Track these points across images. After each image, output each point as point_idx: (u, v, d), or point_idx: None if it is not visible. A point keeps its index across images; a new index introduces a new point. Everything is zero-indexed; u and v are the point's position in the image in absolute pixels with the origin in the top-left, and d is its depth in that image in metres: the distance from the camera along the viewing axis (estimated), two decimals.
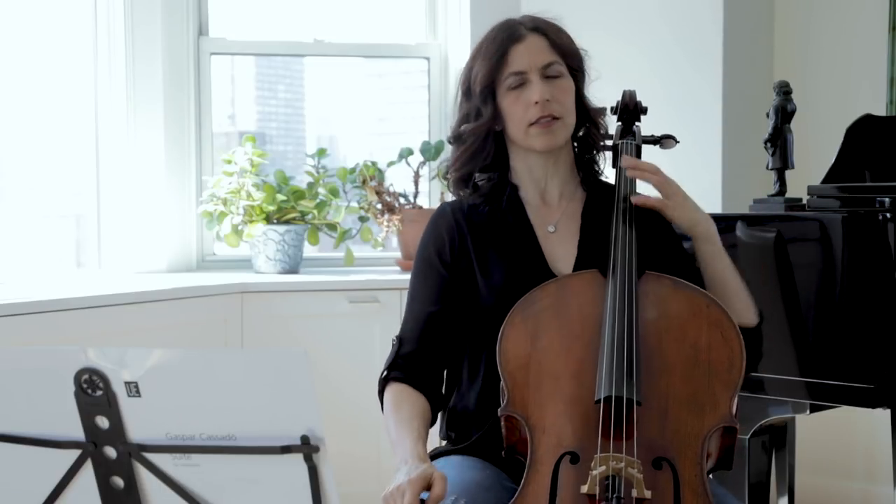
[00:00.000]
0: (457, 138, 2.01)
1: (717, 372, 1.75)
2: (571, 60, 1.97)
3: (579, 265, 1.94)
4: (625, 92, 2.08)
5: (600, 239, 1.92)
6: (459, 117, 2.01)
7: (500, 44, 1.94)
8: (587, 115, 2.01)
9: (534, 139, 1.94)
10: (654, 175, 1.92)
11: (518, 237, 1.97)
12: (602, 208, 1.97)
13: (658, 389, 1.73)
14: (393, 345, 1.99)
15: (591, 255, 1.92)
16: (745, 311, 1.90)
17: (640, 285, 1.82)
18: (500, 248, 1.96)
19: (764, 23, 3.77)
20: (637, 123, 2.07)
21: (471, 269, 1.96)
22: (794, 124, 2.81)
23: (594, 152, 2.06)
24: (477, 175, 2.02)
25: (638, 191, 1.97)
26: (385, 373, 1.96)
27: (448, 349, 1.98)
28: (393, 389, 1.94)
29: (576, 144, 2.05)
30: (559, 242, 1.98)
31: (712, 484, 1.75)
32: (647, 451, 1.68)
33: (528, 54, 1.93)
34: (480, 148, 1.99)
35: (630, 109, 2.07)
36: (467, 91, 1.98)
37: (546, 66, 1.92)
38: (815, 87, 3.64)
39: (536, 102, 1.91)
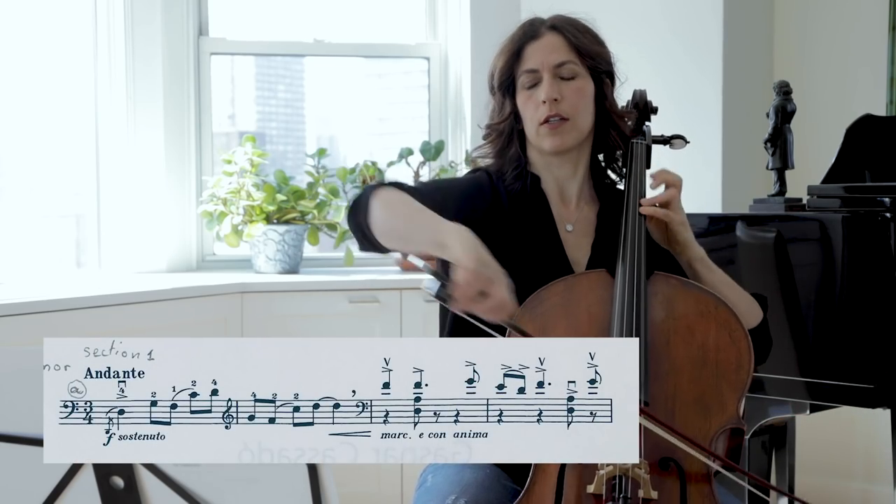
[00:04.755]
0: (486, 135, 2.03)
1: (724, 373, 1.75)
2: (591, 61, 1.94)
3: (592, 266, 1.93)
4: (635, 91, 2.07)
5: (613, 243, 1.90)
6: (489, 112, 2.03)
7: (517, 41, 1.95)
8: (608, 119, 1.98)
9: (543, 139, 1.93)
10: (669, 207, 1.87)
11: (541, 229, 1.97)
12: (617, 216, 1.94)
13: (665, 390, 1.73)
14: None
15: (605, 257, 1.91)
16: (747, 314, 1.88)
17: (648, 285, 1.81)
18: (524, 236, 1.95)
19: (764, 23, 3.77)
20: (647, 123, 2.07)
21: (490, 246, 1.94)
22: (794, 124, 2.81)
23: (615, 156, 2.03)
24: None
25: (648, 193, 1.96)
26: (383, 182, 1.85)
27: None
28: (398, 191, 1.81)
29: (601, 156, 2.03)
30: (576, 243, 1.98)
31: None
32: (653, 452, 1.68)
33: (542, 52, 1.92)
34: (504, 145, 1.99)
35: (640, 109, 2.06)
36: (491, 87, 2.00)
37: (559, 65, 1.92)
38: (815, 87, 3.64)
39: (544, 101, 1.90)
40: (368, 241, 1.81)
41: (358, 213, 1.80)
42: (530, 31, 1.95)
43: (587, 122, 1.95)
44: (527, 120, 1.95)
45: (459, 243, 1.61)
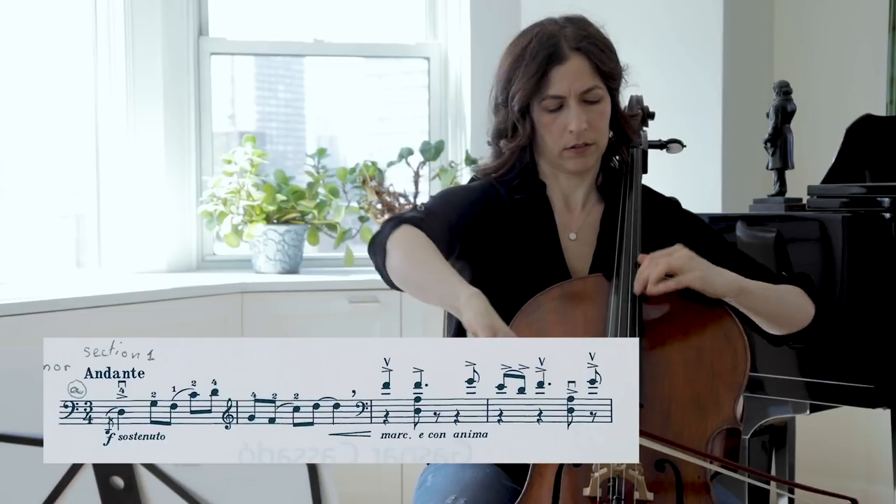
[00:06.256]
0: (497, 151, 1.98)
1: (720, 374, 1.75)
2: (612, 82, 1.92)
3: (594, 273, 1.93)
4: (632, 97, 2.06)
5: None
6: (497, 125, 1.96)
7: (540, 63, 1.86)
8: (621, 131, 1.97)
9: (567, 162, 1.92)
10: (665, 269, 1.79)
11: (543, 238, 1.96)
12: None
13: (661, 391, 1.73)
14: (416, 209, 1.91)
15: (607, 264, 1.90)
16: (802, 315, 1.87)
17: None
18: (525, 246, 1.94)
19: (764, 23, 3.77)
20: (644, 128, 2.06)
21: (492, 256, 1.94)
22: (794, 124, 2.81)
23: (618, 161, 2.02)
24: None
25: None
26: (401, 219, 1.84)
27: None
28: (415, 230, 1.80)
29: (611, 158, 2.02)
30: (578, 251, 1.97)
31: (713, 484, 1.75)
32: (649, 453, 1.68)
33: (569, 79, 1.86)
34: (518, 161, 1.96)
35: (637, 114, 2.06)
36: (505, 102, 1.92)
37: (586, 91, 1.87)
38: (815, 87, 3.64)
39: (572, 131, 1.87)
40: (390, 283, 1.84)
41: (376, 255, 1.82)
42: (554, 53, 1.87)
43: (606, 140, 1.95)
44: (549, 142, 1.90)
45: (473, 311, 1.63)
